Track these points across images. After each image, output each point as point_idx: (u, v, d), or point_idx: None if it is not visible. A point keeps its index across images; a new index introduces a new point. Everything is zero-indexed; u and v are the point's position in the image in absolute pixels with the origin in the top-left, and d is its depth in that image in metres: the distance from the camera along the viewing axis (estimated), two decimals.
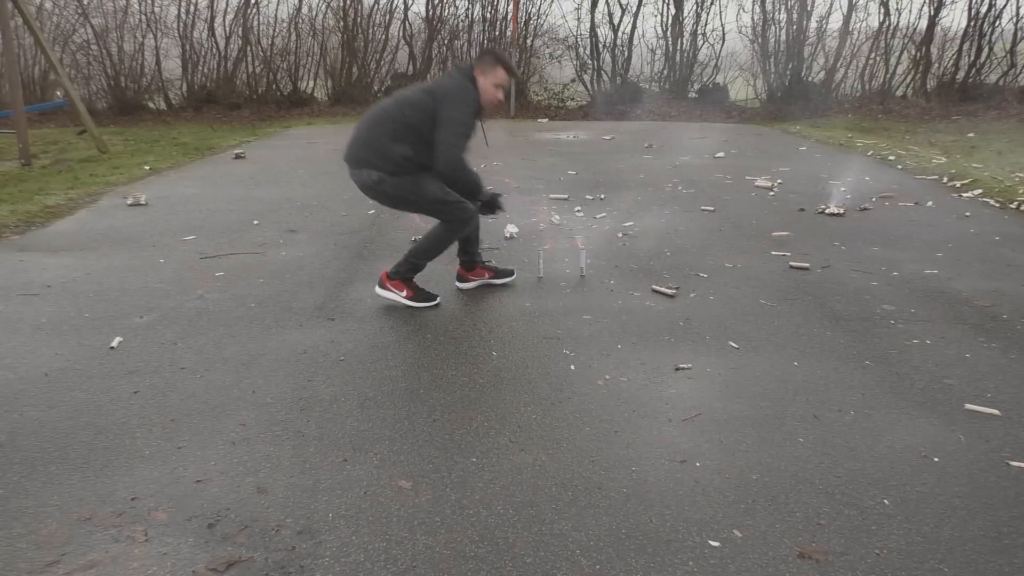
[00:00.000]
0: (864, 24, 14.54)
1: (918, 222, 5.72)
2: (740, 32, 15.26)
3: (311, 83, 15.87)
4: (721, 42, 15.14)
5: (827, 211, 6.01)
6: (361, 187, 3.81)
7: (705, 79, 15.32)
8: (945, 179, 7.36)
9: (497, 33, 15.28)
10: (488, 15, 15.25)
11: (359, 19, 15.35)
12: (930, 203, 6.37)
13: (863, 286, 4.27)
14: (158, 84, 15.16)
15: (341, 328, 3.68)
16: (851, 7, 14.02)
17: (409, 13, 15.49)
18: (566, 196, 6.64)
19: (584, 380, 3.11)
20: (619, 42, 15.15)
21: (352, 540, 2.12)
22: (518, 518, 2.21)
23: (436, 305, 3.97)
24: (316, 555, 2.06)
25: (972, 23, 13.54)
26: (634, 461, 2.51)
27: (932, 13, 13.75)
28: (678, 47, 15.11)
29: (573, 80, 15.57)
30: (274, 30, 15.27)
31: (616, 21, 15.14)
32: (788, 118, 13.41)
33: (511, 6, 14.48)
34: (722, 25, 15.35)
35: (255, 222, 5.84)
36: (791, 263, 4.67)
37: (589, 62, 15.36)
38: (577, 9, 15.61)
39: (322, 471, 2.45)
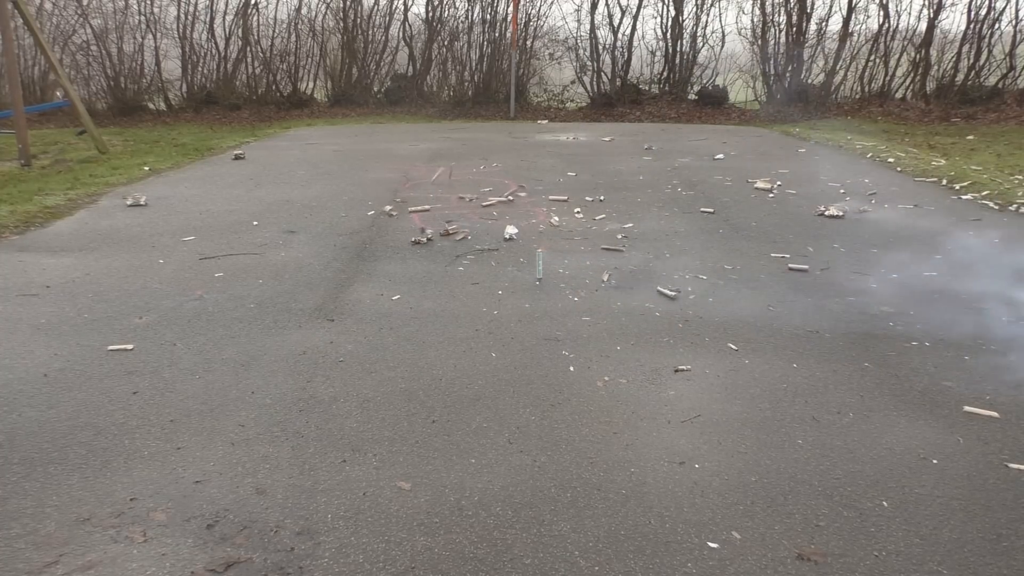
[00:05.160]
0: (864, 26, 14.55)
1: (917, 224, 5.72)
2: (740, 34, 15.26)
3: (311, 84, 15.88)
4: (721, 44, 15.14)
5: (826, 213, 6.02)
6: None
7: (705, 81, 15.33)
8: (944, 181, 7.36)
9: (497, 35, 15.29)
10: (488, 16, 15.25)
11: (359, 20, 15.37)
12: (929, 205, 6.37)
13: (862, 288, 4.27)
14: (158, 85, 15.16)
15: (340, 329, 3.68)
16: (851, 9, 14.03)
17: (409, 14, 15.51)
18: (566, 198, 6.64)
19: (583, 381, 3.11)
20: (619, 44, 15.16)
21: (351, 541, 2.12)
22: (517, 519, 2.21)
23: None
24: (315, 556, 2.06)
25: (971, 26, 13.54)
26: (633, 462, 2.51)
27: (932, 15, 13.76)
28: (678, 49, 15.12)
29: (573, 82, 15.59)
30: (274, 31, 15.28)
31: (616, 23, 15.15)
32: (787, 120, 13.42)
33: (511, 7, 14.48)
34: (722, 27, 15.24)
35: (254, 223, 5.84)
36: (790, 265, 4.68)
37: (589, 64, 15.37)
38: (577, 11, 15.63)
39: (321, 472, 2.45)
